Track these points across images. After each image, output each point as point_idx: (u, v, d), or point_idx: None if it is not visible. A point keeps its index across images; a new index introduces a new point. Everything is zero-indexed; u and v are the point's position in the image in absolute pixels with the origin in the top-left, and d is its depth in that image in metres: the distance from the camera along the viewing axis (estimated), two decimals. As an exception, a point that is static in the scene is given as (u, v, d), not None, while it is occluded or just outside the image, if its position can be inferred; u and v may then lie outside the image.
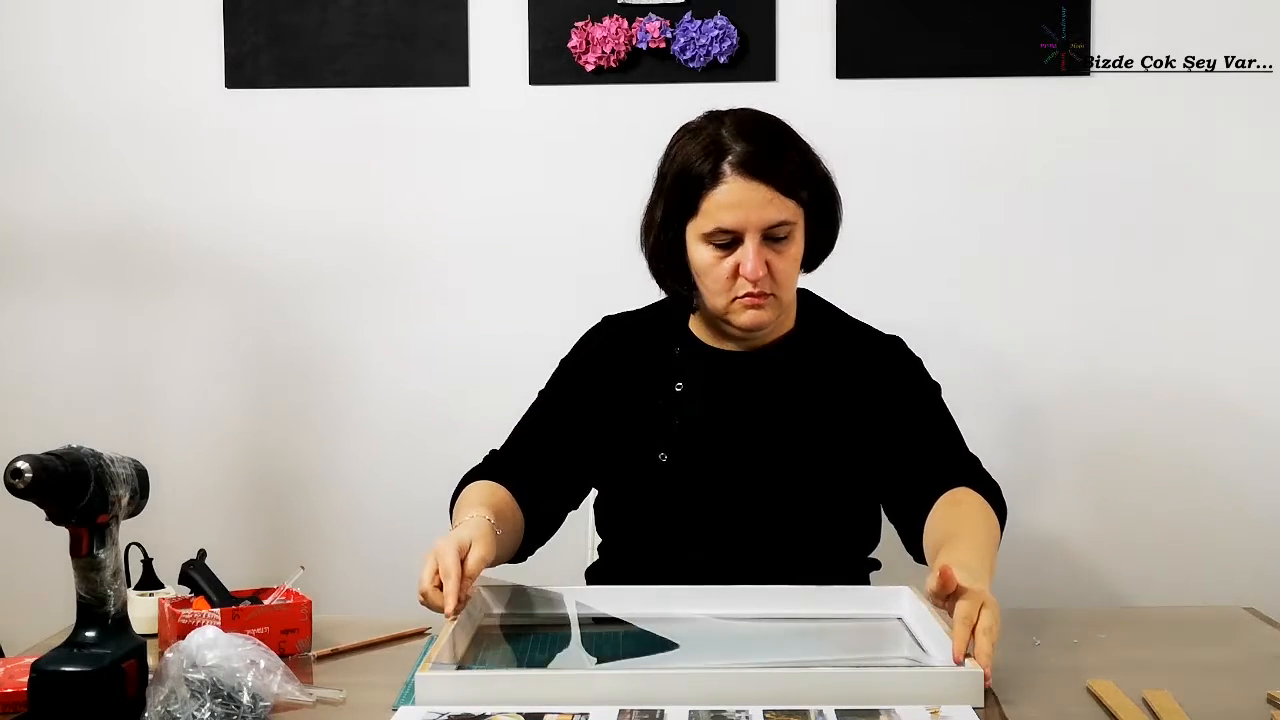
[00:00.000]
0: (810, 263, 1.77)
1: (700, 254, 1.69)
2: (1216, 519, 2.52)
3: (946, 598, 1.38)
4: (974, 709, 1.26)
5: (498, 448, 1.82)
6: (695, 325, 1.81)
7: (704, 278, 1.70)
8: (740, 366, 1.78)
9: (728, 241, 1.66)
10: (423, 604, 1.49)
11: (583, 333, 1.86)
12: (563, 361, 1.86)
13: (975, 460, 1.76)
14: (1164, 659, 1.49)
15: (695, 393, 1.77)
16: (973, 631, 1.34)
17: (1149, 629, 1.65)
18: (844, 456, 1.75)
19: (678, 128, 1.75)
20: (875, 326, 1.85)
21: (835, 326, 1.83)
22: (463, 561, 1.47)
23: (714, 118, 1.72)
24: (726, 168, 1.65)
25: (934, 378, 1.82)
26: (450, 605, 1.42)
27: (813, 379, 1.77)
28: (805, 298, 1.83)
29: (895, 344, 1.84)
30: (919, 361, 1.83)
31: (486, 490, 1.71)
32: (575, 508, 1.85)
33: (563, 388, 1.84)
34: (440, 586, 1.45)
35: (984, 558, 1.51)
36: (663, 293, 1.80)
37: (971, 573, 1.41)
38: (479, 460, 1.82)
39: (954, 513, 1.63)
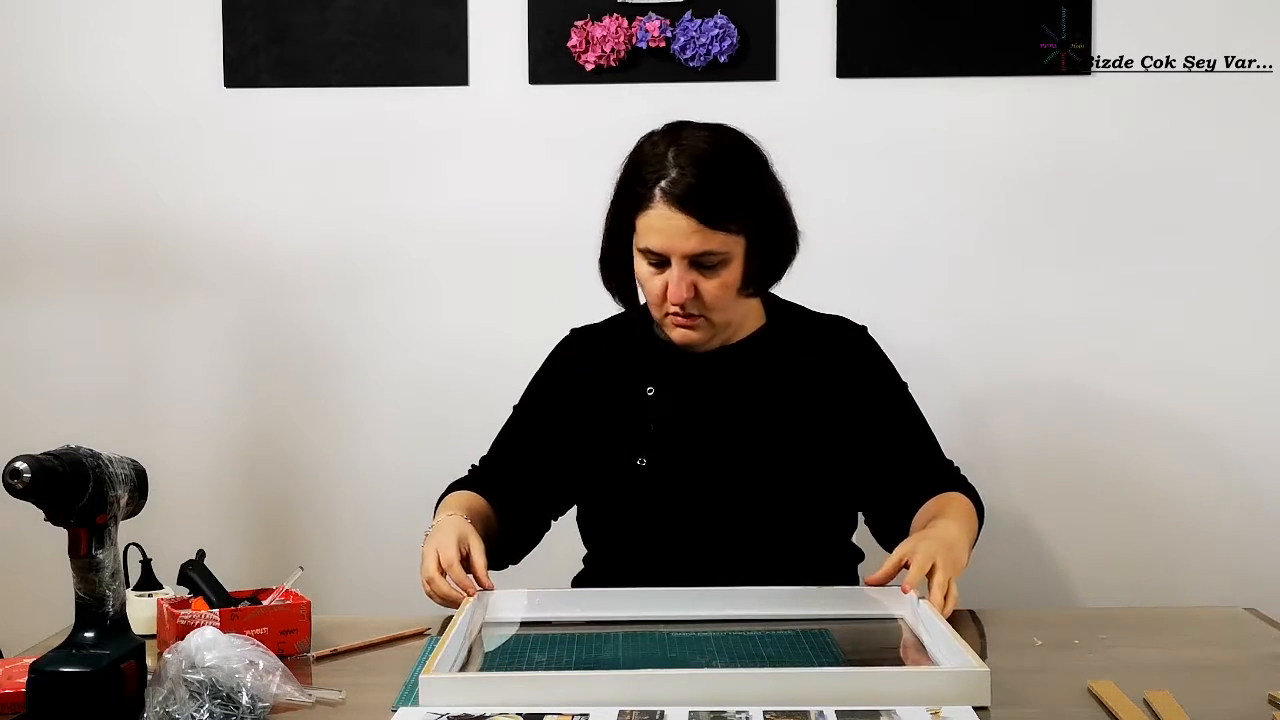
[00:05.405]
0: (760, 284, 1.78)
1: (639, 265, 1.73)
2: (1217, 519, 2.52)
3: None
4: (974, 709, 1.26)
5: (480, 460, 1.90)
6: (660, 328, 1.83)
7: (642, 288, 1.76)
8: (709, 365, 1.80)
9: (657, 261, 1.70)
10: (428, 593, 1.59)
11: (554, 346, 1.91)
12: (534, 377, 1.91)
13: (954, 467, 1.83)
14: (1164, 659, 1.49)
15: (667, 395, 1.80)
16: (945, 596, 1.52)
17: (1149, 629, 1.65)
18: (819, 447, 1.78)
19: (644, 133, 1.76)
20: (842, 315, 1.89)
21: (801, 320, 1.86)
22: (468, 555, 1.61)
23: (671, 131, 1.72)
24: (658, 192, 1.67)
25: (915, 375, 1.88)
26: (465, 592, 1.56)
27: (782, 372, 1.80)
28: (770, 298, 1.86)
29: (862, 334, 1.87)
30: (887, 358, 1.87)
31: (466, 496, 1.79)
32: (560, 514, 1.91)
33: (535, 403, 1.89)
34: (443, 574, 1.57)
35: (961, 530, 1.66)
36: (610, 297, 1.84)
37: (947, 542, 1.59)
38: (470, 468, 1.90)
39: (939, 504, 1.73)
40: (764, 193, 1.73)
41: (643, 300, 1.80)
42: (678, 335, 1.75)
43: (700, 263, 1.68)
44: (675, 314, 1.71)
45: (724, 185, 1.67)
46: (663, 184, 1.66)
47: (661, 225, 1.66)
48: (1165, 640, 1.59)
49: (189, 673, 1.25)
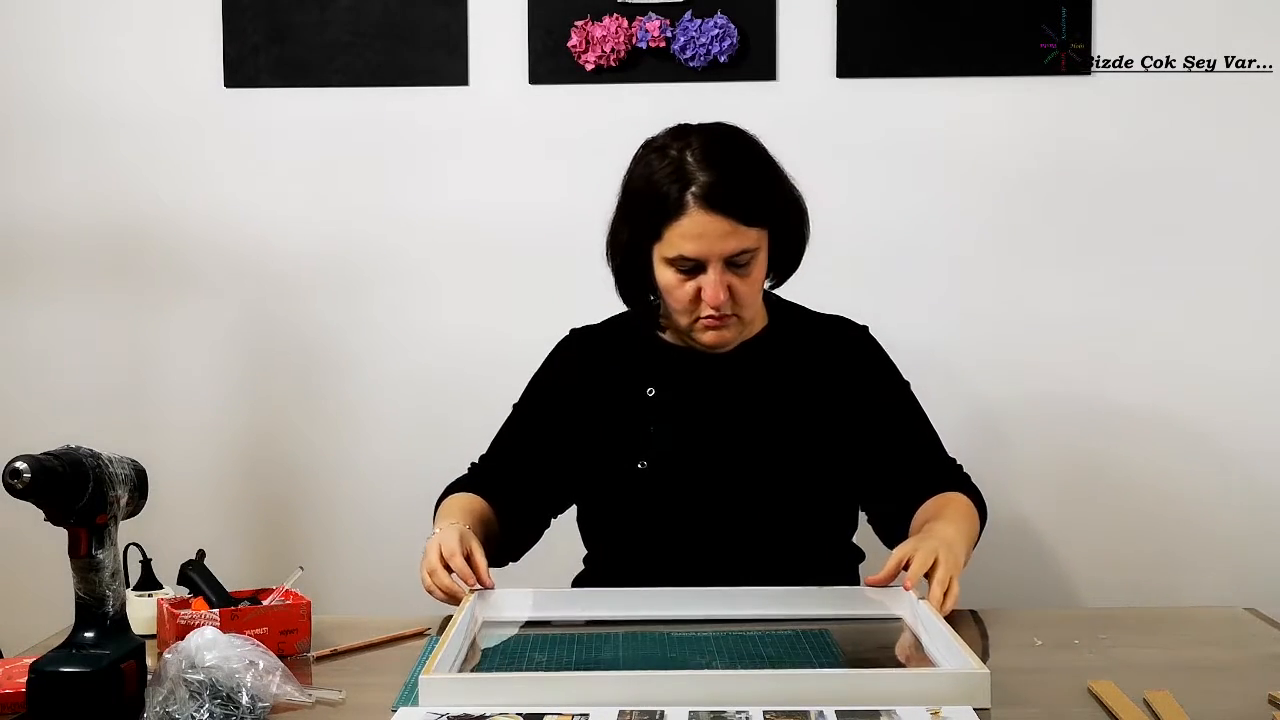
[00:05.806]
0: (778, 277, 1.80)
1: (664, 275, 1.71)
2: (1217, 519, 2.52)
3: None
4: (974, 710, 1.26)
5: (480, 458, 1.89)
6: (669, 332, 1.83)
7: (668, 297, 1.73)
8: (711, 367, 1.80)
9: (690, 267, 1.68)
10: (429, 587, 1.60)
11: (554, 346, 1.90)
12: (533, 377, 1.90)
13: (956, 465, 1.84)
14: (1164, 659, 1.49)
15: (668, 396, 1.79)
16: (945, 594, 1.53)
17: (1149, 629, 1.65)
18: (821, 449, 1.78)
19: (642, 141, 1.75)
20: (843, 315, 1.88)
21: (803, 321, 1.86)
22: (468, 556, 1.61)
23: (680, 136, 1.70)
24: (689, 199, 1.65)
25: (916, 375, 1.87)
26: (466, 585, 1.58)
27: (784, 374, 1.80)
28: (771, 298, 1.85)
29: (864, 334, 1.87)
30: (888, 357, 1.87)
31: (466, 500, 1.78)
32: (560, 512, 1.91)
33: (535, 403, 1.88)
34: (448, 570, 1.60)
35: (960, 532, 1.66)
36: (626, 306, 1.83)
37: (947, 541, 1.59)
38: (469, 466, 1.89)
39: (938, 504, 1.73)
40: (780, 182, 1.74)
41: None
42: (710, 338, 1.73)
43: (734, 262, 1.67)
44: (710, 317, 1.70)
45: (751, 181, 1.68)
46: (693, 189, 1.64)
47: (699, 230, 1.65)
48: (1165, 640, 1.59)
49: (189, 673, 1.25)
